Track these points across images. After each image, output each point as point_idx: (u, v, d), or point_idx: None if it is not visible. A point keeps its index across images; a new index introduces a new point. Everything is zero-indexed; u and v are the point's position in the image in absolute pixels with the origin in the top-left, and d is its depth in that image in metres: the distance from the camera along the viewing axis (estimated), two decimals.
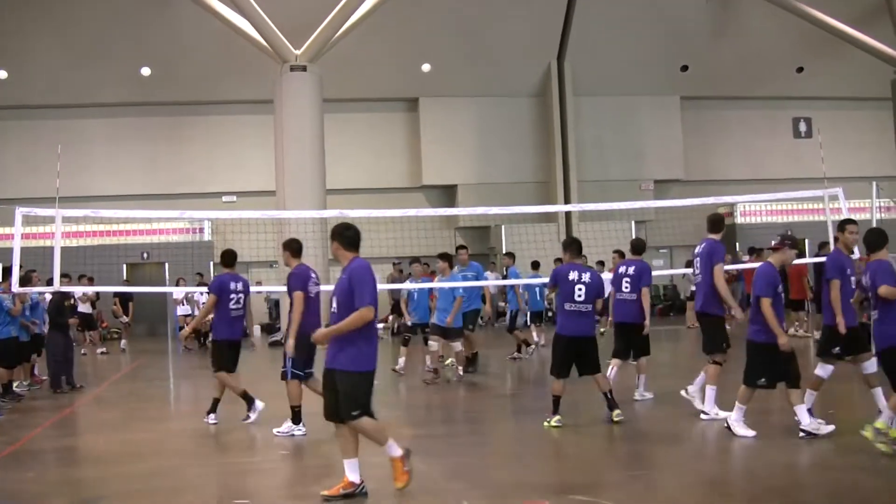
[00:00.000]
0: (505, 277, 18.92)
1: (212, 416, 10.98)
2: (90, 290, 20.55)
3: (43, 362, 15.48)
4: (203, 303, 17.00)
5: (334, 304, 7.12)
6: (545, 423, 9.97)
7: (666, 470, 8.24)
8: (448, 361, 15.45)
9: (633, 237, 13.49)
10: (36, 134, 26.85)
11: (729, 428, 9.03)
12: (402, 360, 15.54)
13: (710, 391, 10.05)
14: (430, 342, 14.32)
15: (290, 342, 9.72)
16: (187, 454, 9.88)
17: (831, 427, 8.78)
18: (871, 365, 9.24)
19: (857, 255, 15.23)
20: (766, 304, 8.82)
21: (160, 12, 25.77)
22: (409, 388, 13.96)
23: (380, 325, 21.53)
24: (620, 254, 15.72)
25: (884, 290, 8.22)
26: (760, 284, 8.94)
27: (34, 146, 26.47)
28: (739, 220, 29.86)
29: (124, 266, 27.05)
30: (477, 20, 27.32)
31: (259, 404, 10.98)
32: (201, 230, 27.38)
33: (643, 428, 10.18)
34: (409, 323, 15.82)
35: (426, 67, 28.57)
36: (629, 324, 11.73)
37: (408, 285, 16.13)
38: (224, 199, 28.27)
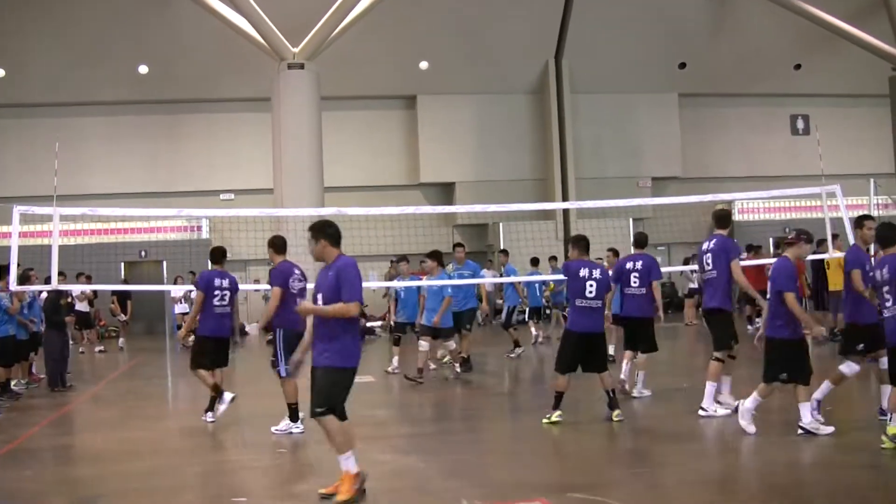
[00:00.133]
0: (502, 275, 18.92)
1: (209, 414, 10.98)
2: (87, 288, 20.53)
3: (41, 361, 15.48)
4: None
5: (319, 300, 7.10)
6: (544, 420, 9.95)
7: (665, 468, 8.23)
8: (445, 360, 15.43)
9: (636, 232, 13.46)
10: (34, 132, 26.82)
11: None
12: (395, 360, 15.54)
13: (710, 387, 10.04)
14: (420, 342, 14.20)
15: (261, 324, 9.95)
16: (185, 452, 9.88)
17: (831, 428, 8.77)
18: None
19: (829, 253, 15.32)
20: (791, 297, 8.80)
21: (158, 11, 25.75)
22: (406, 387, 13.94)
23: (378, 324, 21.63)
24: (615, 252, 15.69)
25: None
26: (782, 280, 8.85)
27: (32, 144, 26.44)
28: (737, 217, 29.83)
29: (122, 264, 27.04)
30: (475, 18, 27.31)
31: (228, 396, 10.94)
32: (199, 228, 27.37)
33: (643, 425, 10.19)
34: (392, 322, 15.81)
35: (424, 65, 28.56)
36: (637, 318, 11.82)
37: (395, 283, 16.05)
38: (222, 196, 28.27)
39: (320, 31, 23.42)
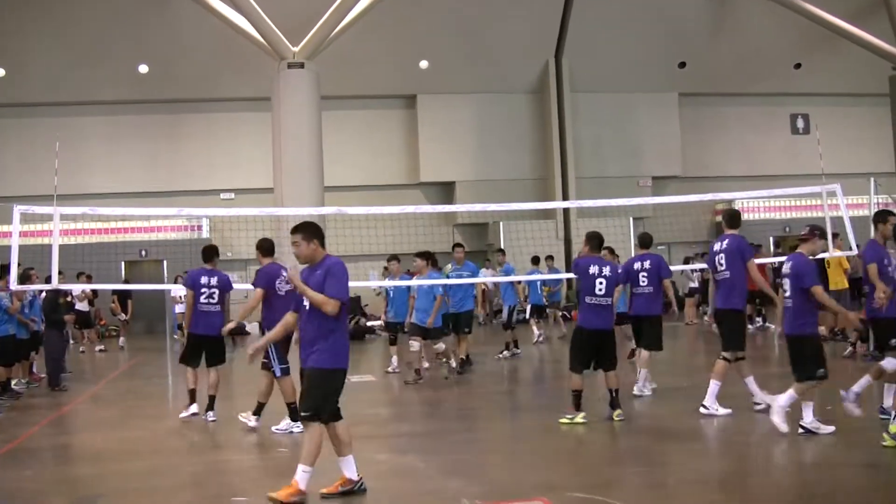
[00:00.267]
0: (498, 275, 18.89)
1: (210, 413, 11.00)
2: (87, 287, 20.54)
3: (42, 360, 15.49)
4: None
5: (306, 301, 7.01)
6: (566, 420, 9.85)
7: (666, 467, 8.24)
8: (444, 359, 15.42)
9: (641, 233, 13.51)
10: (34, 132, 26.80)
11: (807, 430, 8.71)
12: (394, 360, 15.53)
13: (714, 386, 10.01)
14: (411, 343, 14.14)
15: (228, 327, 10.42)
16: (185, 452, 9.89)
17: (831, 428, 8.76)
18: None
19: (829, 252, 15.29)
20: (821, 291, 8.82)
21: (158, 10, 25.75)
22: (405, 387, 13.95)
23: (378, 323, 21.64)
24: (611, 251, 15.69)
25: None
26: (810, 276, 8.79)
27: (32, 144, 26.43)
28: None
29: (122, 264, 27.03)
30: (475, 17, 27.30)
31: (194, 408, 11.15)
32: (199, 227, 27.35)
33: (643, 425, 10.18)
34: (382, 322, 15.78)
35: (424, 64, 28.55)
36: (644, 316, 11.90)
37: (386, 283, 16.00)
38: (222, 196, 28.26)
39: (320, 31, 23.41)
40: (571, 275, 25.46)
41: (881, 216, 9.71)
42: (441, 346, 14.33)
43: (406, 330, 15.14)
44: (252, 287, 10.52)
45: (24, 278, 13.88)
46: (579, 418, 9.83)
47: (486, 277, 20.65)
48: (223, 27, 24.51)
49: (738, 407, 10.15)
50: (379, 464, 8.54)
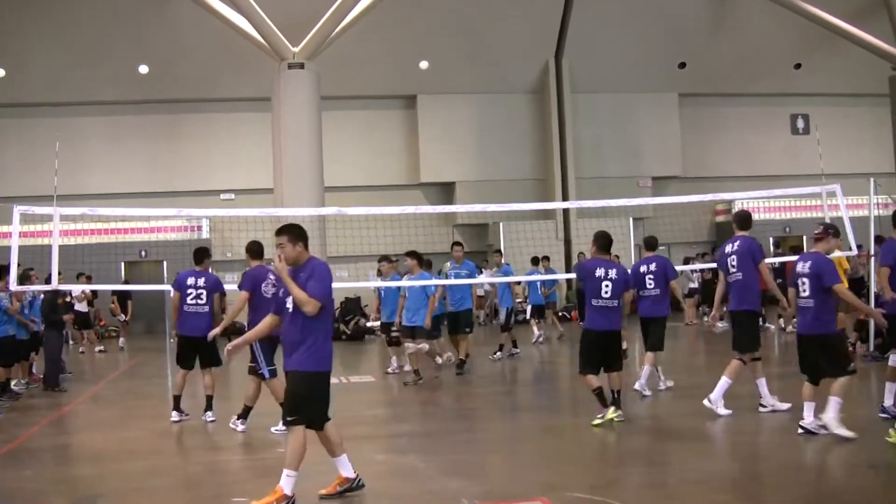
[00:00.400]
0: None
1: (209, 413, 11.00)
2: (87, 288, 20.54)
3: (41, 361, 15.49)
4: None
5: (289, 302, 6.94)
6: (596, 421, 9.72)
7: (666, 467, 8.24)
8: (445, 357, 15.38)
9: (647, 236, 13.56)
10: (34, 132, 26.80)
11: (808, 431, 8.66)
12: (394, 360, 15.52)
13: (724, 383, 9.98)
14: (406, 344, 14.06)
15: (214, 331, 10.17)
16: (185, 452, 9.89)
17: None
18: None
19: (854, 251, 15.30)
20: (842, 289, 8.81)
21: (158, 11, 25.75)
22: (404, 386, 13.94)
23: (378, 323, 21.60)
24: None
25: None
26: (831, 274, 8.72)
27: (32, 144, 26.43)
28: None
29: (122, 264, 27.02)
30: (475, 18, 27.31)
31: (175, 415, 11.11)
32: (199, 228, 27.34)
33: (644, 424, 10.17)
34: (370, 323, 15.72)
35: (424, 65, 28.56)
36: (650, 318, 12.00)
37: (378, 283, 15.91)
38: (222, 196, 28.26)
39: (320, 31, 23.41)
40: (569, 275, 25.65)
41: None
42: (424, 346, 14.06)
43: (395, 330, 15.18)
44: (237, 289, 10.52)
45: (23, 279, 13.87)
46: (610, 414, 9.72)
47: (483, 278, 20.62)
48: (223, 27, 24.51)
49: (742, 407, 10.15)
50: (379, 464, 8.54)
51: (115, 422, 11.87)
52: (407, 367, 14.98)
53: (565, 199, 28.39)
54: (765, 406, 10.07)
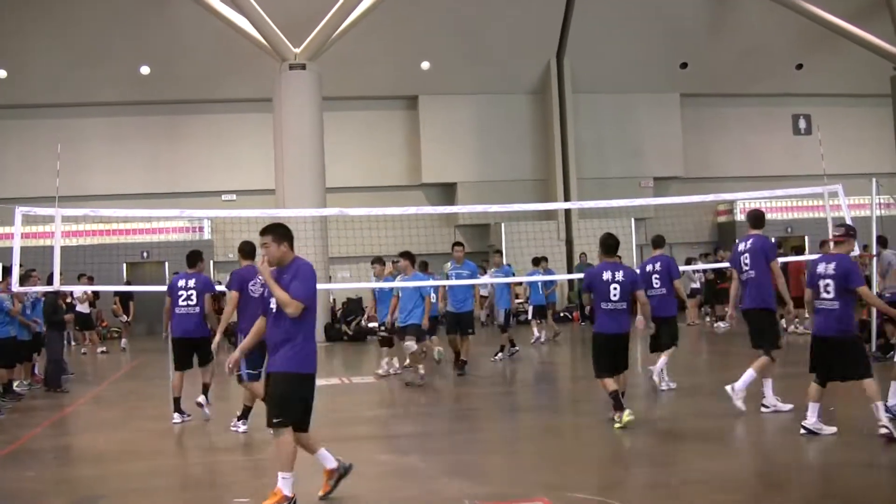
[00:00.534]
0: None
1: (202, 397, 11.10)
2: (88, 289, 20.54)
3: (43, 361, 15.51)
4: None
5: (273, 303, 6.89)
6: (616, 425, 9.63)
7: (668, 467, 8.22)
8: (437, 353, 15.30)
9: (654, 235, 13.59)
10: (35, 133, 26.81)
11: (810, 431, 8.64)
12: (395, 361, 15.48)
13: (750, 376, 9.97)
14: (406, 344, 13.93)
15: (216, 338, 10.21)
16: (187, 453, 9.90)
17: (833, 429, 8.74)
18: None
19: (856, 251, 15.26)
20: (867, 291, 8.80)
21: (159, 11, 25.75)
22: (406, 387, 13.94)
23: (374, 324, 21.55)
24: None
25: None
26: (857, 276, 8.73)
27: (34, 145, 26.45)
28: (739, 217, 29.83)
29: (124, 265, 27.02)
30: (476, 18, 27.30)
31: (177, 417, 11.13)
32: (201, 229, 27.36)
33: (645, 425, 10.15)
34: (362, 325, 15.61)
35: (425, 65, 28.55)
36: (658, 317, 11.98)
37: (372, 284, 15.84)
38: (224, 197, 28.25)
39: (322, 32, 23.41)
40: (570, 276, 25.64)
41: None
42: (412, 346, 13.88)
43: (384, 330, 15.14)
44: (227, 290, 10.57)
45: (24, 279, 13.88)
46: (626, 416, 9.63)
47: (484, 279, 20.62)
48: (224, 28, 24.51)
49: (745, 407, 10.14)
50: (381, 464, 8.54)
51: (117, 423, 11.88)
52: (394, 371, 14.98)
53: (567, 199, 28.37)
54: (767, 407, 10.06)
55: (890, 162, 30.29)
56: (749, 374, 10.02)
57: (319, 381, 14.99)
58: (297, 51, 23.53)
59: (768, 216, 30.70)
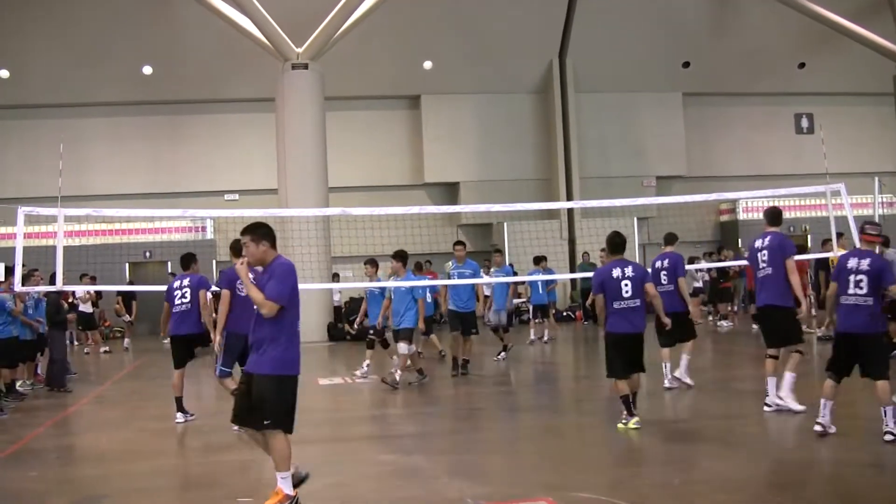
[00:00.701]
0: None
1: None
2: (91, 288, 20.56)
3: (46, 361, 15.52)
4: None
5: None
6: (620, 426, 9.60)
7: (671, 466, 8.21)
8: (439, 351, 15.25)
9: (667, 232, 13.61)
10: (38, 133, 26.85)
11: (825, 429, 8.58)
12: (364, 365, 15.38)
13: (790, 378, 9.96)
14: (399, 346, 13.82)
15: (218, 339, 10.21)
16: (190, 452, 9.91)
17: (833, 427, 8.72)
18: None
19: (834, 252, 15.24)
20: None
21: (161, 11, 25.78)
22: (409, 387, 13.93)
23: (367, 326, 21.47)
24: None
25: None
26: (891, 274, 8.63)
27: (36, 145, 26.50)
28: (741, 216, 29.87)
29: (127, 265, 27.05)
30: (478, 17, 27.31)
31: (180, 416, 11.18)
32: (204, 229, 27.37)
33: (648, 424, 10.14)
34: (355, 327, 15.50)
35: (428, 65, 28.55)
36: (669, 313, 11.90)
37: (365, 284, 15.77)
38: (226, 197, 28.28)
39: (324, 32, 23.42)
40: (571, 275, 25.60)
41: None
42: (403, 348, 13.72)
43: (371, 333, 15.12)
44: (217, 289, 10.64)
45: (25, 279, 13.89)
46: (632, 424, 9.56)
47: (485, 279, 20.62)
48: (227, 28, 24.53)
49: (745, 407, 10.13)
50: (383, 464, 8.54)
51: (120, 422, 11.89)
52: (361, 374, 14.98)
53: (569, 198, 28.37)
54: (769, 406, 10.05)
55: (892, 161, 30.28)
56: (789, 377, 9.98)
57: (322, 381, 15.08)
58: (300, 50, 23.54)
59: None
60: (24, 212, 13.50)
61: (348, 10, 23.24)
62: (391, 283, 14.26)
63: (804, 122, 31.82)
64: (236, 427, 7.47)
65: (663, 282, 12.26)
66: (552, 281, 20.86)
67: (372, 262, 15.27)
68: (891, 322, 14.13)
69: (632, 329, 9.76)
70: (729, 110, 31.44)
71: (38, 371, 15.82)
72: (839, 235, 15.72)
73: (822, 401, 8.71)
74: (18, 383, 14.47)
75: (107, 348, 22.51)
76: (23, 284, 13.57)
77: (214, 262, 25.74)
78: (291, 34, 23.42)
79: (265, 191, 26.31)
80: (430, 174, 29.32)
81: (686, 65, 30.05)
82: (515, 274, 21.34)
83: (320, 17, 23.34)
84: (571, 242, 28.39)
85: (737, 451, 8.65)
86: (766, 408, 10.06)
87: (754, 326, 20.23)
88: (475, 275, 15.31)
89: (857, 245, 14.71)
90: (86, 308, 21.73)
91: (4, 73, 26.57)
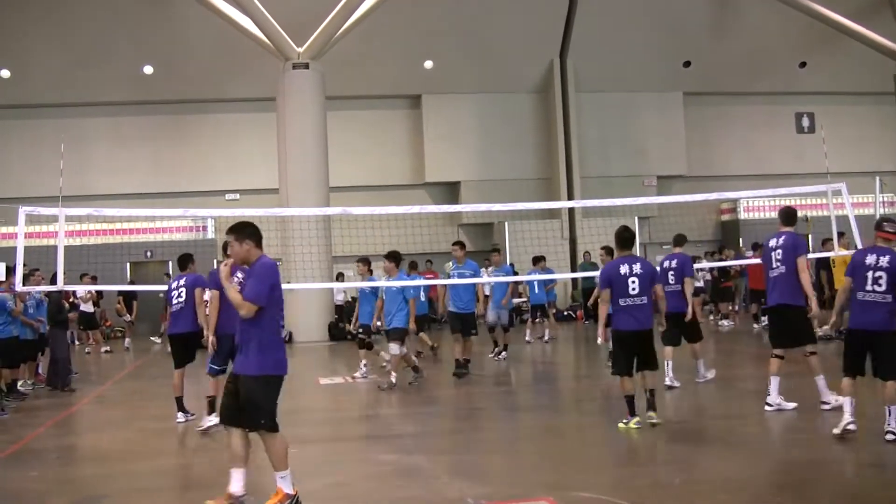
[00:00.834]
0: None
1: (181, 414, 11.20)
2: (92, 288, 20.58)
3: (47, 361, 15.53)
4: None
5: None
6: (621, 425, 9.57)
7: (672, 466, 8.21)
8: (383, 365, 15.19)
9: (676, 234, 13.64)
10: (39, 133, 26.86)
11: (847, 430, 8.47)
12: (362, 365, 15.34)
13: (822, 381, 9.94)
14: (390, 346, 13.77)
15: (211, 339, 10.25)
16: (191, 452, 9.90)
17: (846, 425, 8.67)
18: None
19: (835, 251, 15.21)
20: None
21: (162, 11, 25.79)
22: (409, 387, 13.93)
23: (378, 324, 21.56)
24: (608, 250, 15.63)
25: None
26: None
27: (37, 145, 26.50)
28: (742, 215, 29.86)
29: (128, 265, 27.05)
30: (479, 17, 27.31)
31: (181, 416, 11.19)
32: (204, 228, 27.37)
33: (650, 424, 10.14)
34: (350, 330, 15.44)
35: (429, 64, 28.55)
36: (677, 313, 12.06)
37: (365, 283, 15.76)
38: (227, 197, 28.29)
39: (325, 31, 23.42)
40: (570, 275, 25.54)
41: None
42: (395, 348, 13.67)
43: (361, 333, 15.13)
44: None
45: (25, 279, 13.89)
46: (633, 424, 9.53)
47: (482, 279, 20.61)
48: (228, 28, 24.53)
49: (746, 406, 10.12)
50: (384, 464, 8.54)
51: (121, 422, 11.90)
52: (361, 375, 14.97)
53: (570, 198, 28.35)
54: (771, 405, 10.04)
55: (893, 160, 30.26)
56: (821, 381, 9.97)
57: (322, 381, 15.08)
58: (301, 50, 23.55)
59: (771, 215, 30.81)
60: (26, 211, 13.49)
61: (349, 10, 23.25)
62: (383, 283, 14.23)
63: (805, 122, 31.81)
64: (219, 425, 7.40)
65: (671, 282, 12.35)
66: (551, 281, 20.83)
67: (364, 260, 15.22)
68: None
69: (638, 326, 9.64)
70: (729, 110, 31.43)
71: (39, 371, 15.83)
72: (840, 235, 15.72)
73: (846, 399, 8.54)
74: (19, 383, 14.47)
75: (108, 348, 22.53)
76: (23, 284, 13.57)
77: (215, 261, 25.67)
78: (292, 34, 23.43)
79: (266, 190, 26.32)
80: (431, 174, 29.31)
81: (687, 64, 30.05)
82: (516, 273, 21.33)
83: (321, 17, 23.35)
84: (572, 242, 28.39)
85: (738, 450, 8.65)
86: (766, 407, 10.06)
87: (755, 326, 20.28)
88: (475, 275, 15.27)
89: (858, 244, 14.80)
90: (87, 308, 21.75)
91: (5, 73, 26.58)
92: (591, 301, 17.91)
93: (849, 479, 7.53)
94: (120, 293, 23.94)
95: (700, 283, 23.30)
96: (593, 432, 10.03)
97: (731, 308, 22.96)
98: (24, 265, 13.64)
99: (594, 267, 21.06)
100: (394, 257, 13.96)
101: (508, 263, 24.61)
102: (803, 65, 30.64)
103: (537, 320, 20.21)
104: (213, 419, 10.18)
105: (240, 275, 9.16)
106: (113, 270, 24.76)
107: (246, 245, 6.80)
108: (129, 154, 28.05)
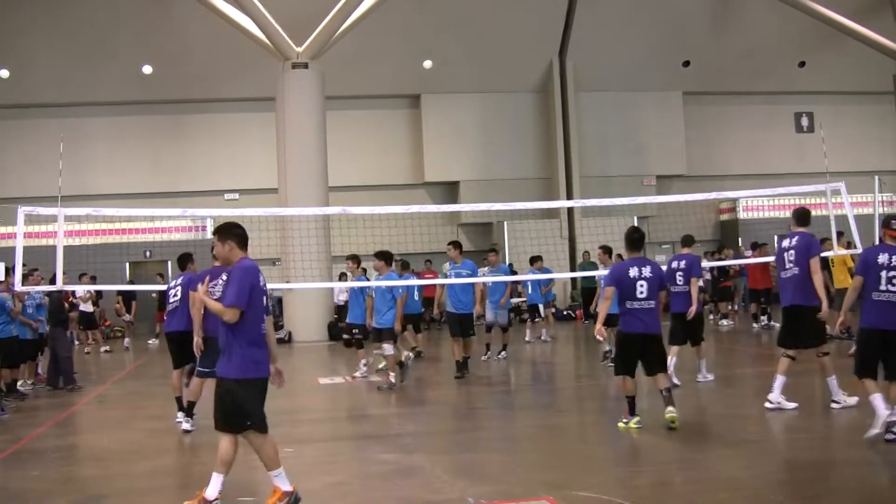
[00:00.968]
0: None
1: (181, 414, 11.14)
2: (91, 288, 20.57)
3: (46, 361, 15.53)
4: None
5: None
6: (620, 424, 9.57)
7: (672, 465, 8.21)
8: (381, 366, 15.13)
9: (684, 235, 13.65)
10: (38, 132, 26.83)
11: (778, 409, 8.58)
12: (362, 364, 15.31)
13: (833, 382, 9.96)
14: (384, 346, 13.74)
15: (197, 340, 10.22)
16: (191, 452, 9.90)
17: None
18: None
19: (860, 249, 15.21)
20: None
21: (162, 10, 25.78)
22: (409, 387, 13.94)
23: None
24: (607, 250, 15.62)
25: None
26: None
27: (36, 145, 26.48)
28: (742, 215, 29.88)
29: (127, 265, 27.06)
30: (479, 16, 27.30)
31: (180, 416, 11.05)
32: (204, 228, 27.37)
33: (650, 424, 10.14)
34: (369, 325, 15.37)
35: (428, 64, 28.55)
36: (680, 313, 12.20)
37: (358, 284, 15.72)
38: (226, 196, 28.29)
39: (324, 31, 23.42)
40: (569, 274, 25.51)
41: None
42: (389, 349, 13.68)
43: (357, 332, 15.12)
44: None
45: (24, 279, 13.87)
46: (633, 423, 9.53)
47: (478, 278, 20.59)
48: (227, 27, 24.52)
49: (746, 406, 10.12)
50: (385, 464, 8.53)
51: (121, 422, 11.91)
52: (360, 374, 14.95)
53: (570, 197, 28.36)
54: (772, 403, 10.04)
55: (892, 159, 30.27)
56: (833, 381, 9.97)
57: (322, 380, 15.08)
58: (300, 50, 23.55)
59: (770, 214, 30.87)
60: (25, 211, 13.47)
61: (348, 10, 23.25)
62: (374, 283, 14.19)
63: (804, 121, 31.83)
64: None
65: (678, 282, 12.45)
66: (549, 281, 20.82)
67: (354, 258, 15.21)
68: None
69: (644, 329, 9.54)
70: (729, 109, 31.45)
71: (39, 370, 15.83)
72: (839, 234, 15.71)
73: (877, 397, 8.37)
74: (19, 383, 14.47)
75: (107, 348, 22.53)
76: (22, 284, 13.56)
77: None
78: (292, 33, 23.42)
79: (265, 190, 26.31)
80: (431, 173, 29.31)
81: (686, 64, 30.05)
82: (514, 273, 21.32)
83: (320, 17, 23.34)
84: (571, 241, 28.39)
85: (738, 449, 8.65)
86: (766, 405, 10.06)
87: (755, 325, 20.29)
88: (473, 275, 15.20)
89: (857, 243, 14.81)
90: (86, 307, 21.74)
91: (5, 73, 26.57)
92: (593, 306, 17.80)
93: (849, 478, 7.52)
94: (119, 293, 23.94)
95: (701, 283, 23.32)
96: (593, 432, 10.03)
97: (730, 308, 22.96)
98: (24, 265, 13.62)
99: (593, 266, 21.06)
100: (383, 256, 13.91)
101: (507, 263, 24.59)
102: (803, 64, 30.65)
103: (536, 320, 20.21)
104: (188, 424, 10.33)
105: (224, 276, 9.11)
106: (112, 270, 24.80)
107: (228, 245, 6.81)
108: (128, 154, 28.06)
